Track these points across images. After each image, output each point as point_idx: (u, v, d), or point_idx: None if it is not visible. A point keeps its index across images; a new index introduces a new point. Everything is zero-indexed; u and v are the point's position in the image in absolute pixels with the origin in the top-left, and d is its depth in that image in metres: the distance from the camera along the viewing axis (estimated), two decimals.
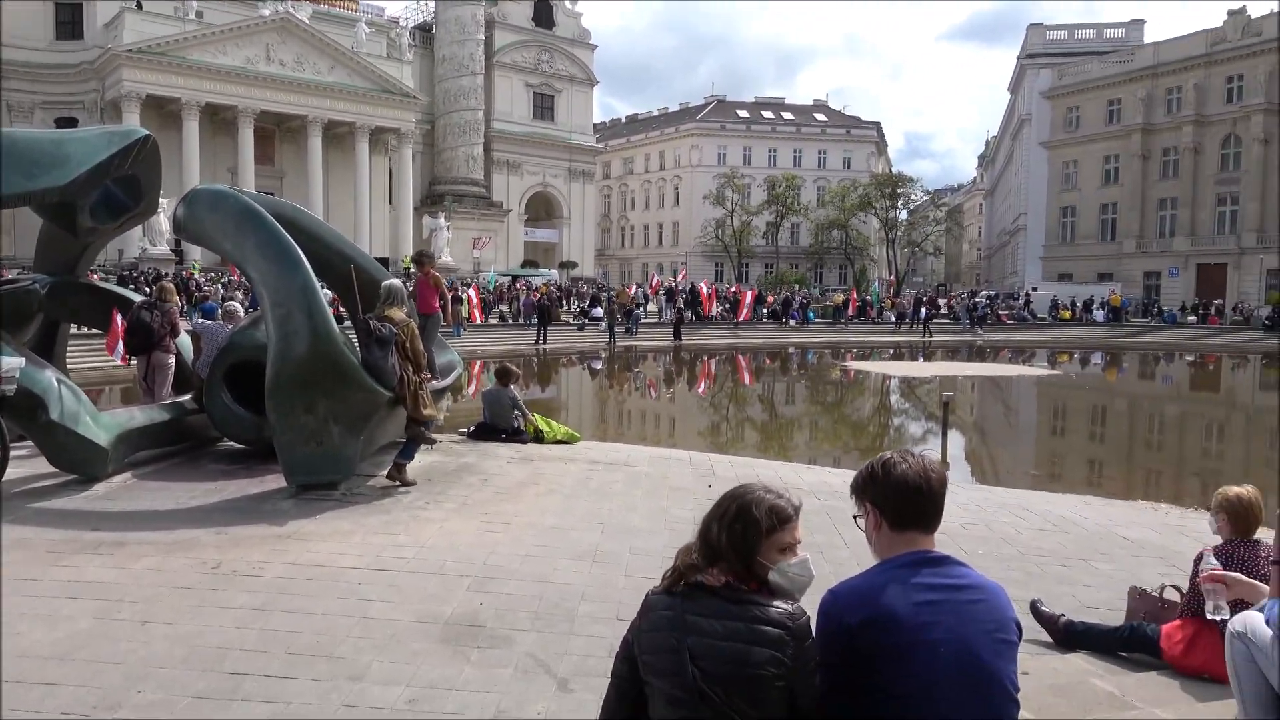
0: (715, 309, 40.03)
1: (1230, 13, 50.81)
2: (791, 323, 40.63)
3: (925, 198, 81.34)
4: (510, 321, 36.20)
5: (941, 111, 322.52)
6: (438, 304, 8.98)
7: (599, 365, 28.84)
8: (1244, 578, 3.35)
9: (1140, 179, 53.97)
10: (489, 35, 57.95)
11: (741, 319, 39.27)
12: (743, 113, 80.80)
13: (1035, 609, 4.63)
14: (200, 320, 10.69)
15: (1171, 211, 53.11)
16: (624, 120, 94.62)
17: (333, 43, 47.61)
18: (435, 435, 7.90)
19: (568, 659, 3.97)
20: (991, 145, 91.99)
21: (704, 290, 40.80)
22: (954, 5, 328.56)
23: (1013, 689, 1.89)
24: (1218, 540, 4.11)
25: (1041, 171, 60.70)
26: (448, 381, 9.02)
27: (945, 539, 6.37)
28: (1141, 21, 62.34)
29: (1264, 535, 3.99)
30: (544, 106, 62.28)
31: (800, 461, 11.55)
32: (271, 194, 42.23)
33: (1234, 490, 3.99)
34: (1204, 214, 51.48)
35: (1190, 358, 35.08)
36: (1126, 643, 4.24)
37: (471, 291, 34.51)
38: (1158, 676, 3.90)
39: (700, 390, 23.99)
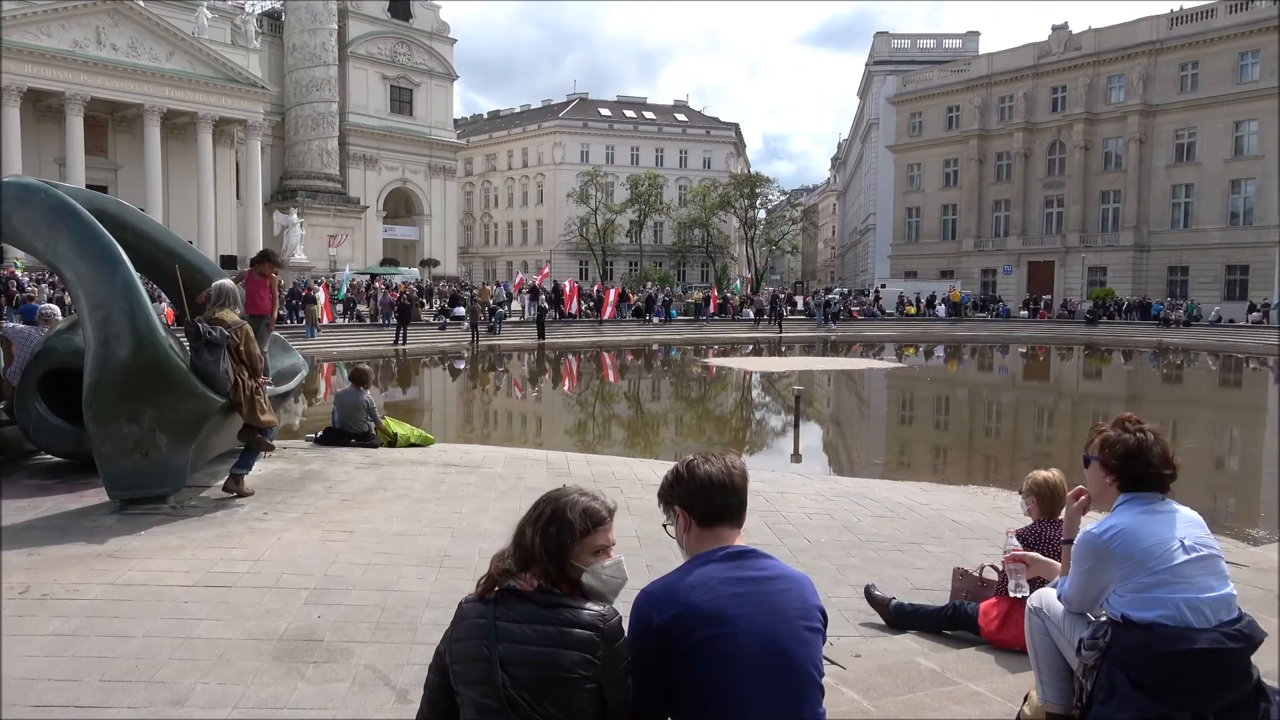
0: (579, 306, 40.11)
1: (1054, 27, 54.73)
2: (655, 320, 41.13)
3: (782, 198, 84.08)
4: (368, 321, 35.12)
5: (798, 114, 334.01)
6: (269, 304, 8.57)
7: (461, 365, 28.37)
8: (1040, 557, 3.60)
9: (977, 181, 57.42)
10: (342, 25, 56.01)
11: (606, 317, 39.47)
12: (605, 111, 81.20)
13: (869, 593, 4.84)
14: (11, 324, 9.86)
15: (1005, 213, 56.75)
16: (486, 116, 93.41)
17: (171, 27, 44.89)
18: (278, 442, 7.55)
19: (409, 669, 3.87)
20: (843, 148, 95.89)
21: (566, 288, 40.76)
22: (808, 9, 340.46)
23: (817, 674, 1.96)
24: (1029, 521, 4.42)
25: (889, 174, 63.71)
26: (290, 386, 8.65)
27: (791, 529, 6.62)
28: (977, 33, 66.37)
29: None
30: (402, 100, 60.72)
31: (664, 458, 11.69)
32: (105, 188, 39.66)
33: (1041, 474, 4.29)
34: (1034, 215, 55.28)
35: (1023, 349, 37.60)
36: (950, 621, 4.49)
37: (321, 291, 33.19)
38: (976, 652, 4.15)
39: (563, 389, 23.96)
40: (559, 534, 1.97)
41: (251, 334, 6.72)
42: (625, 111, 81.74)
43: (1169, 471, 2.63)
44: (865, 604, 4.83)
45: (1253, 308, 42.78)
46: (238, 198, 50.22)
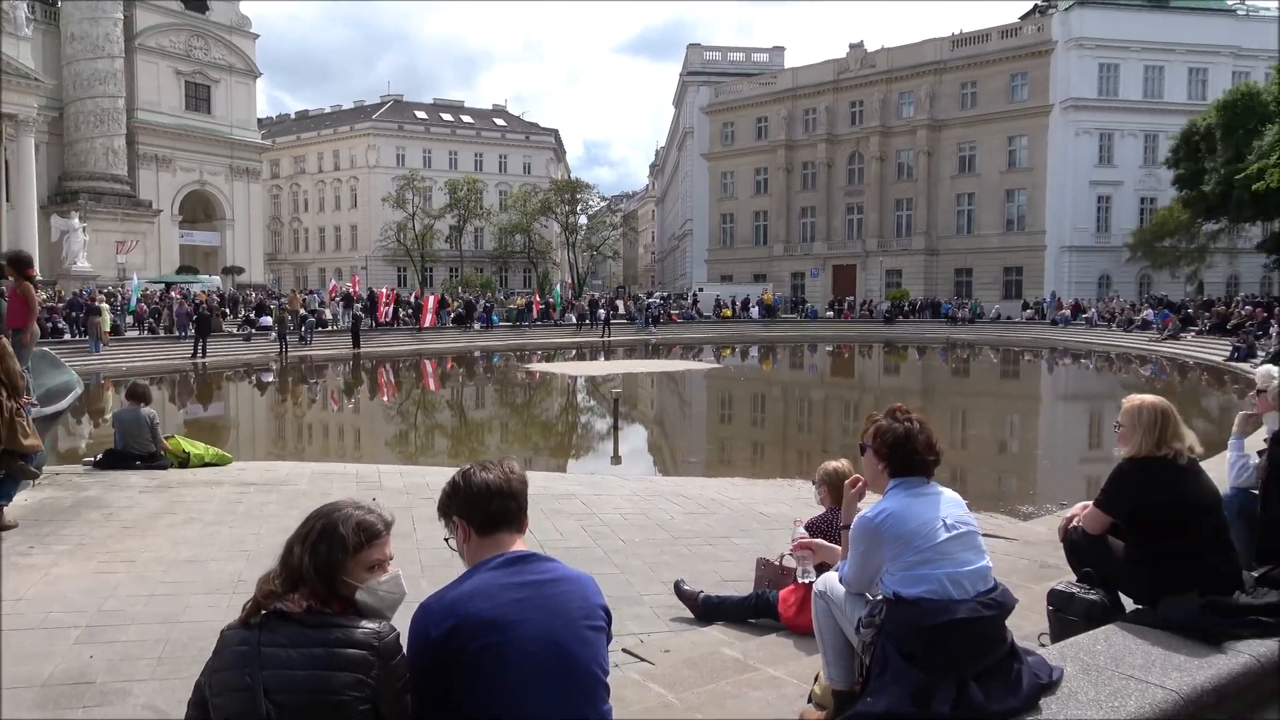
0: (396, 314, 38.93)
1: (851, 45, 58.36)
2: (477, 326, 40.53)
3: (603, 204, 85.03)
4: (163, 334, 32.60)
5: (617, 121, 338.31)
6: (24, 316, 7.71)
7: (268, 378, 26.83)
8: (825, 543, 3.79)
9: (785, 189, 60.26)
10: (129, 15, 51.64)
11: (426, 324, 38.50)
12: (421, 114, 79.23)
13: (679, 589, 4.95)
14: None
15: (811, 219, 59.89)
16: (294, 116, 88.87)
17: None
18: (49, 468, 6.85)
19: None
20: (661, 155, 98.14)
21: (382, 295, 39.44)
22: (625, 19, 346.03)
23: (602, 672, 1.96)
24: (823, 510, 4.66)
25: (704, 181, 65.77)
26: (60, 406, 7.87)
27: (606, 530, 6.65)
28: (783, 48, 69.73)
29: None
30: (199, 97, 56.77)
31: None
32: None
33: (831, 465, 4.53)
34: (837, 221, 58.66)
35: (829, 348, 39.79)
36: (754, 610, 4.66)
37: (104, 303, 30.40)
38: (777, 637, 4.32)
39: (381, 399, 23.16)
40: (330, 551, 1.88)
41: (8, 349, 6.06)
42: (442, 114, 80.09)
43: (932, 458, 2.83)
44: (677, 600, 4.93)
45: (1026, 305, 47.22)
46: (7, 200, 45.33)
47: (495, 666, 1.85)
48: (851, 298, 53.19)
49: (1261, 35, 47.87)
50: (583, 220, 75.72)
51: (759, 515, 7.31)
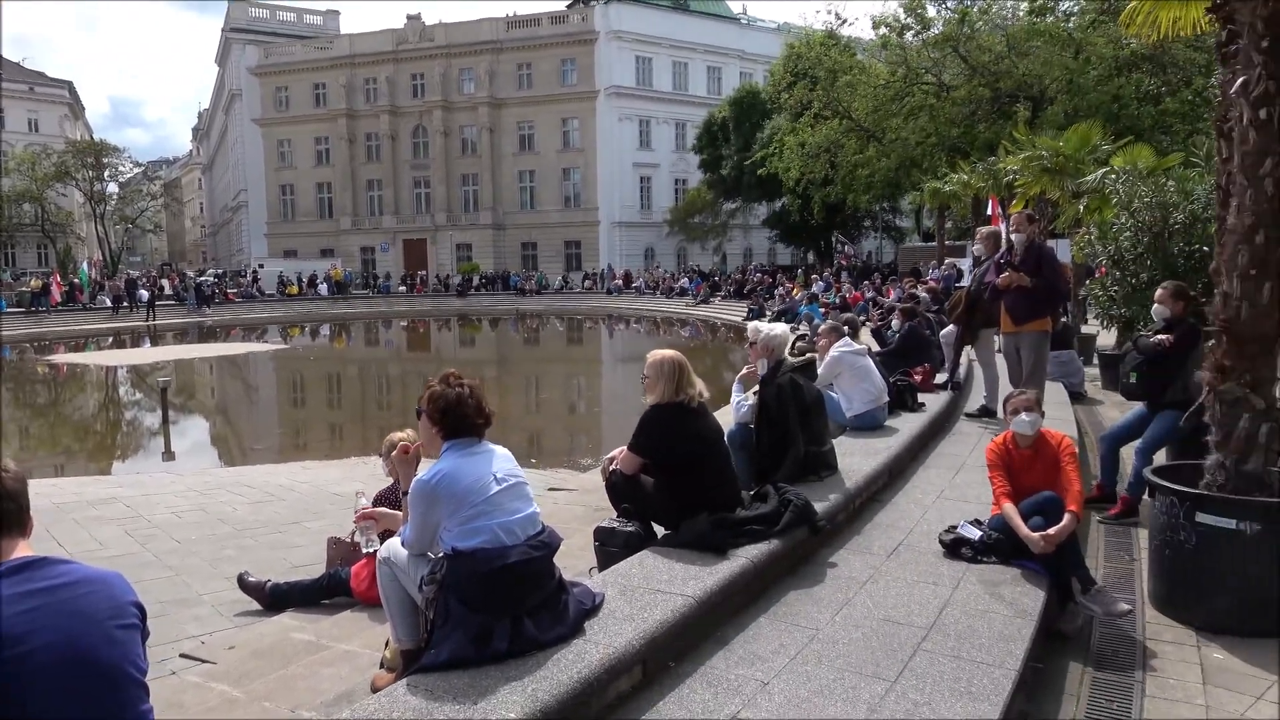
0: None
1: (409, 16, 57.63)
2: None
3: (138, 170, 74.81)
4: None
5: (152, 78, 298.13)
6: None
7: None
8: (387, 511, 3.90)
9: (349, 161, 58.07)
10: None
11: None
12: None
13: (242, 582, 4.70)
14: None
15: (379, 192, 58.46)
16: None
17: None
18: None
19: None
20: (205, 118, 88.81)
21: None
22: None
23: (138, 673, 1.85)
24: (391, 482, 4.71)
25: (257, 148, 60.93)
26: None
27: (157, 532, 6.08)
28: (337, 13, 66.58)
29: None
30: None
31: None
32: None
33: (397, 435, 4.58)
34: (405, 195, 57.98)
35: (404, 323, 39.47)
36: (327, 590, 4.60)
37: None
38: (351, 614, 4.32)
39: None
40: None
41: None
42: None
43: (482, 420, 3.04)
44: (242, 594, 4.69)
45: (586, 276, 50.99)
46: None
47: (12, 687, 1.66)
48: (424, 272, 53.13)
49: (762, 43, 56.42)
50: (113, 189, 65.94)
51: (332, 496, 7.15)
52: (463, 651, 2.70)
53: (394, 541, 3.17)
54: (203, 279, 43.75)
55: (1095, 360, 11.77)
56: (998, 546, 4.28)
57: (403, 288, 50.49)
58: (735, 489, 4.35)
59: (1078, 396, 10.00)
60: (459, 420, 2.99)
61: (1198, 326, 5.44)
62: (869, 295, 26.10)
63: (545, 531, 3.06)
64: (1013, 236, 7.43)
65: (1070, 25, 26.74)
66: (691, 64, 57.20)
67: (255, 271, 48.74)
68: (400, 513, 3.36)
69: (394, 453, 3.50)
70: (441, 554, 2.92)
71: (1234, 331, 4.25)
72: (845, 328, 7.71)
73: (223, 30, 65.37)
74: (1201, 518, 4.08)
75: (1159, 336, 5.68)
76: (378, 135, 57.77)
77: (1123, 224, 8.56)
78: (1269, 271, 4.12)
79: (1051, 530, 4.02)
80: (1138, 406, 5.95)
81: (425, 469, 3.09)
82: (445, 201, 56.57)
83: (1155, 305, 5.93)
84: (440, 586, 2.84)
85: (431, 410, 3.00)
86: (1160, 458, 5.60)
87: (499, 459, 3.05)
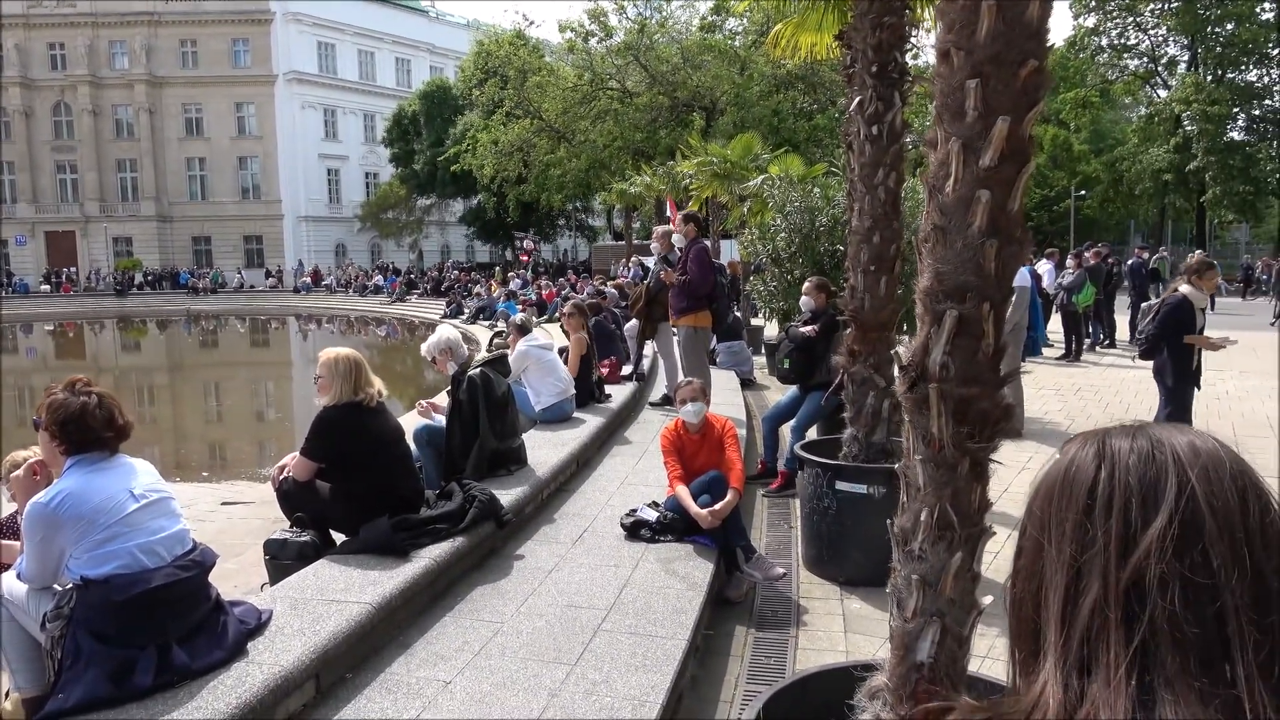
0: None
1: None
2: None
3: None
4: None
5: None
6: None
7: None
8: (5, 543, 3.39)
9: None
10: None
11: None
12: None
13: None
14: None
15: (12, 176, 50.32)
16: None
17: None
18: None
19: None
20: None
21: None
22: None
23: None
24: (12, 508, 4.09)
25: None
26: None
27: None
28: None
29: None
30: None
31: None
32: None
33: (20, 454, 3.99)
34: (46, 180, 50.48)
35: (50, 327, 34.47)
36: None
37: None
38: None
39: None
40: None
41: None
42: None
43: (112, 433, 2.71)
44: None
45: (269, 273, 47.49)
46: None
47: None
48: (73, 268, 46.69)
49: (452, 38, 55.72)
50: None
51: None
52: (98, 691, 2.41)
53: (9, 576, 2.75)
54: None
55: (763, 350, 12.98)
56: (673, 525, 4.58)
57: (46, 286, 44.07)
58: (418, 489, 4.27)
59: (748, 383, 10.95)
60: (84, 433, 2.65)
61: (835, 316, 6.15)
62: (564, 293, 26.76)
63: (197, 549, 2.81)
64: (673, 238, 8.05)
65: (737, 44, 29.20)
66: (379, 54, 55.24)
67: None
68: (17, 543, 2.92)
69: (15, 474, 3.04)
70: (70, 585, 2.58)
71: (860, 320, 4.86)
72: (533, 321, 7.87)
73: None
74: (840, 485, 4.63)
75: (806, 327, 6.37)
76: (8, 110, 49.69)
77: (778, 226, 9.48)
78: (885, 267, 4.77)
79: (717, 506, 4.36)
80: (793, 389, 6.62)
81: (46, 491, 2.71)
82: (98, 189, 50.01)
83: (803, 298, 6.64)
84: (68, 621, 2.51)
85: (50, 422, 2.64)
86: (815, 435, 6.29)
87: (137, 473, 2.75)
